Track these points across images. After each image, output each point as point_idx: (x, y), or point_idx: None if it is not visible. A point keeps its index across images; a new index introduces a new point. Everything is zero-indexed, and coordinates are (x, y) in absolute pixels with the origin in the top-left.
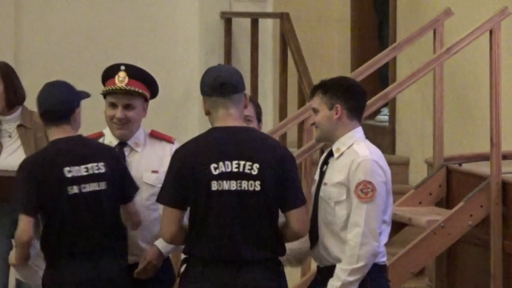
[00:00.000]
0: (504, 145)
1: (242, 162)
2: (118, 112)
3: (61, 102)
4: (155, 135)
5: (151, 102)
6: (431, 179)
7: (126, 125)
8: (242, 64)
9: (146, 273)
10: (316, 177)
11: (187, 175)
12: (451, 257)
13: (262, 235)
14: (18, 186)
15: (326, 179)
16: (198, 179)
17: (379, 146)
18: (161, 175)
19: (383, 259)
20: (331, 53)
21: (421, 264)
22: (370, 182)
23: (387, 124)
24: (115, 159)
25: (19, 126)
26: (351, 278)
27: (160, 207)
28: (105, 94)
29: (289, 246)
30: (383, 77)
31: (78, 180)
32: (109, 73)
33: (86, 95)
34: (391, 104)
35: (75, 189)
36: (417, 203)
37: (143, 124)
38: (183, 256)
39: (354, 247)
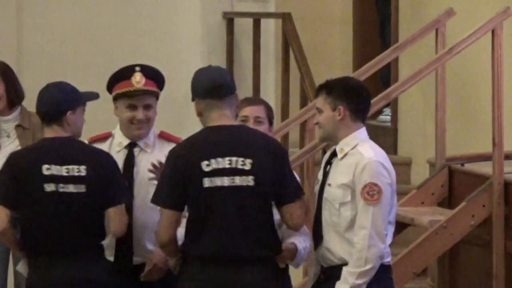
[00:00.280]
0: (506, 145)
1: (234, 158)
2: (139, 113)
3: (51, 104)
4: (164, 136)
5: None
6: (433, 179)
7: (145, 125)
8: (244, 64)
9: (152, 276)
10: (320, 176)
11: (180, 175)
12: (453, 257)
13: (260, 232)
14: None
15: (330, 180)
16: (190, 177)
17: (381, 146)
18: None
19: (388, 259)
20: (333, 53)
21: (423, 264)
22: (376, 184)
23: (389, 124)
24: (101, 164)
25: (17, 126)
26: (360, 281)
27: None
28: (117, 96)
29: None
30: (384, 77)
31: (56, 179)
32: (123, 75)
33: (93, 96)
34: (393, 104)
35: (52, 187)
36: (419, 203)
37: None
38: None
39: (361, 249)
